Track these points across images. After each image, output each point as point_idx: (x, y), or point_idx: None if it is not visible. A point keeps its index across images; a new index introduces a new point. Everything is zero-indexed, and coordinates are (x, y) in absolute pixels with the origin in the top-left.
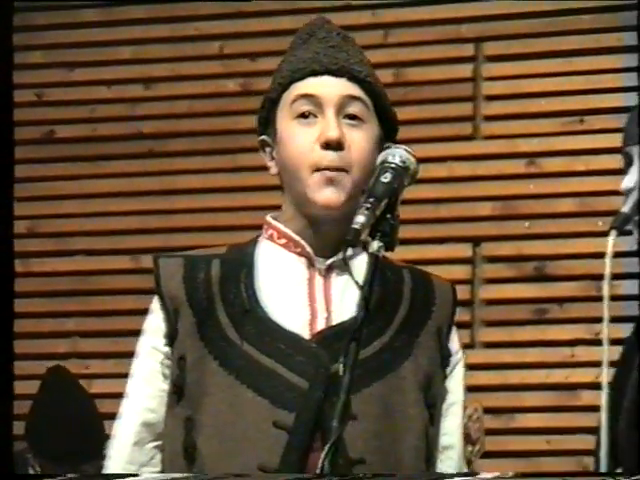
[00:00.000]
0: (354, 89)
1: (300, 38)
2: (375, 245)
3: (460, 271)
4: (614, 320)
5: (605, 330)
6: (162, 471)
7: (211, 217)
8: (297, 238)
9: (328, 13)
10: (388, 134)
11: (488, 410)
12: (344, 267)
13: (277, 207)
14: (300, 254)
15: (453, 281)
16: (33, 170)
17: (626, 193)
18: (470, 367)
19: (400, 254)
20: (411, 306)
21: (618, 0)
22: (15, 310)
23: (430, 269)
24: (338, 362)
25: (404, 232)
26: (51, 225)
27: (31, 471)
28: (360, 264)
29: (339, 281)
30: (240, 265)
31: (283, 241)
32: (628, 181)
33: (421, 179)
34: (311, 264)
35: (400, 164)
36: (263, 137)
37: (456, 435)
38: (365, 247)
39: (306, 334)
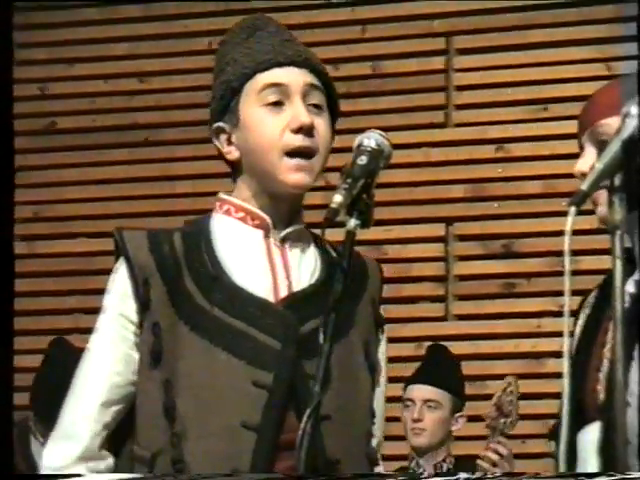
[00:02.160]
0: (314, 79)
1: (244, 32)
2: (352, 223)
3: (434, 249)
4: (575, 293)
5: (567, 302)
6: (119, 431)
7: (204, 200)
8: (257, 211)
9: (310, 10)
10: (334, 121)
11: None
12: (296, 238)
13: None
14: (258, 226)
15: (428, 258)
16: (37, 159)
17: (579, 176)
18: (444, 338)
19: (378, 234)
20: (351, 279)
21: None
22: (21, 289)
23: (406, 248)
24: (320, 332)
25: (382, 213)
26: (54, 210)
27: (33, 440)
28: (302, 237)
29: (294, 251)
30: (199, 238)
31: (241, 214)
32: (579, 165)
33: (397, 164)
34: (267, 235)
35: (376, 147)
36: (219, 124)
37: (382, 400)
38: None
39: (271, 299)
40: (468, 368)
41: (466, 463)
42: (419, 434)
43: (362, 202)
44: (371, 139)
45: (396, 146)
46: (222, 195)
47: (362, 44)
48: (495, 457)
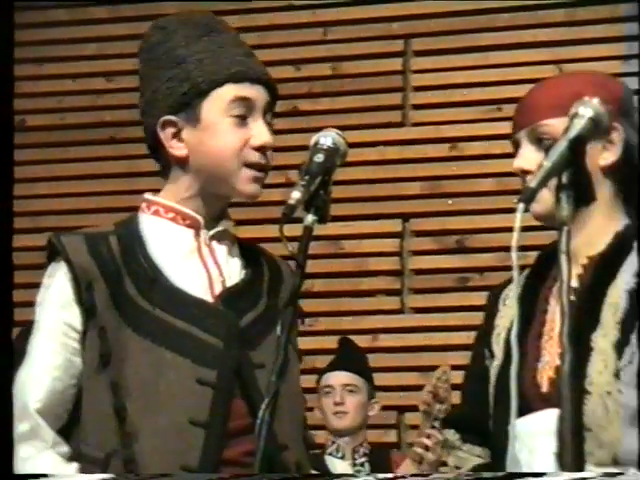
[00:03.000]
0: (271, 98)
1: (197, 29)
2: (310, 219)
3: (391, 244)
4: None
5: (515, 295)
6: (66, 432)
7: None
8: (189, 212)
9: (272, 12)
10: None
11: (415, 368)
12: (223, 236)
13: None
14: (189, 226)
15: (384, 253)
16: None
17: (519, 173)
18: (400, 330)
19: (336, 229)
20: (270, 275)
21: (533, 0)
22: None
23: (363, 243)
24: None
25: (341, 210)
26: (24, 205)
27: None
28: (227, 234)
29: (221, 248)
30: (132, 240)
31: (171, 215)
32: (517, 162)
33: (356, 162)
34: (197, 234)
35: (332, 146)
36: (170, 118)
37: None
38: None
39: (209, 297)
40: (422, 359)
41: (381, 451)
42: (341, 417)
43: (319, 198)
44: (327, 138)
45: (355, 144)
46: (148, 196)
47: (323, 46)
48: (429, 442)
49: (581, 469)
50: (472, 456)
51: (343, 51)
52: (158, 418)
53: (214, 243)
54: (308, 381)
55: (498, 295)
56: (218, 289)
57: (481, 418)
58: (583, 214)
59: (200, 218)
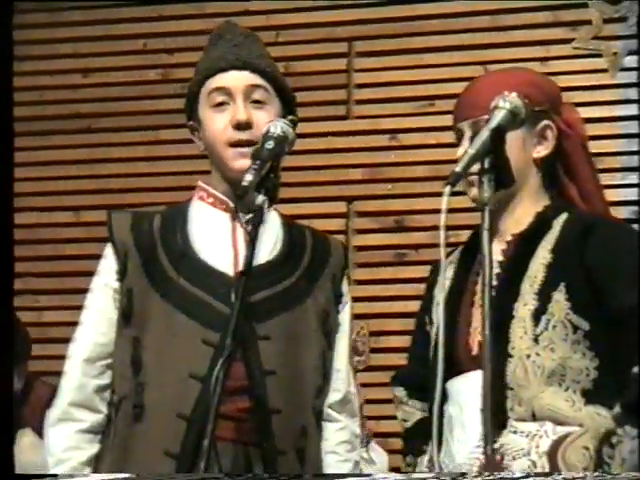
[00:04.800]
0: (256, 79)
1: (212, 40)
2: (260, 199)
3: (336, 224)
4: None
5: (442, 268)
6: (111, 384)
7: (137, 181)
8: (221, 196)
9: (230, 17)
10: (289, 108)
11: None
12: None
13: (187, 173)
14: (224, 210)
15: (331, 231)
16: None
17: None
18: None
19: (288, 210)
20: (312, 257)
21: (461, 4)
22: None
23: (312, 222)
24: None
25: (293, 193)
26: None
27: None
28: (268, 218)
29: (258, 231)
30: (176, 219)
31: (211, 200)
32: (460, 151)
33: (305, 150)
34: (234, 218)
35: (281, 134)
36: (191, 123)
37: (344, 359)
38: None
39: (231, 272)
40: (365, 326)
41: None
42: None
43: (269, 181)
44: (277, 127)
45: (305, 135)
46: (200, 183)
47: (276, 47)
48: None
49: (503, 424)
50: (416, 410)
51: (293, 52)
52: (166, 371)
53: (251, 226)
54: None
55: (437, 268)
56: (241, 267)
57: (423, 377)
58: (513, 198)
59: (230, 202)
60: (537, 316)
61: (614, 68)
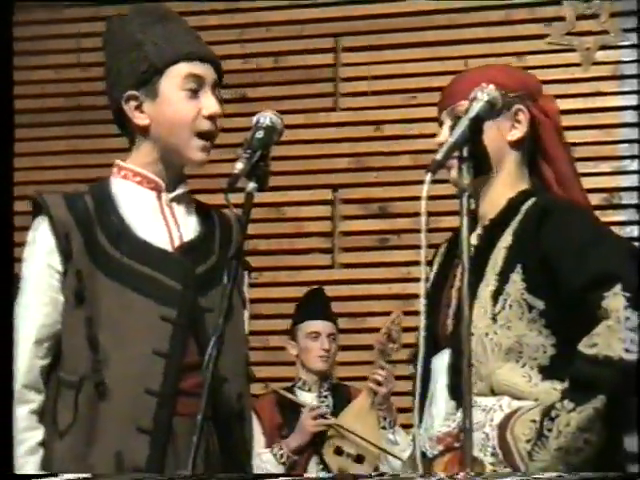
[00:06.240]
0: (216, 74)
1: (149, 16)
2: (251, 186)
3: (323, 210)
4: (433, 247)
5: (423, 254)
6: (54, 365)
7: None
8: (152, 176)
9: (223, 14)
10: None
11: (344, 315)
12: (181, 199)
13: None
14: (152, 188)
15: (318, 218)
16: None
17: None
18: (331, 283)
19: (277, 197)
20: (222, 233)
21: (442, 3)
22: None
23: (300, 209)
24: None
25: (282, 181)
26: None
27: None
28: (186, 198)
29: (180, 209)
30: (104, 199)
31: (137, 179)
32: (440, 137)
33: (294, 140)
34: (159, 196)
35: (270, 124)
36: (133, 92)
37: (246, 328)
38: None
39: (170, 248)
40: (351, 307)
41: (341, 385)
42: (326, 360)
43: (259, 169)
44: (266, 117)
45: (294, 126)
46: (119, 162)
47: (266, 42)
48: (381, 377)
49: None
50: None
51: (283, 47)
52: (126, 349)
53: (174, 204)
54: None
55: (435, 253)
56: (177, 243)
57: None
58: (490, 184)
59: (161, 182)
60: (496, 296)
61: (587, 62)
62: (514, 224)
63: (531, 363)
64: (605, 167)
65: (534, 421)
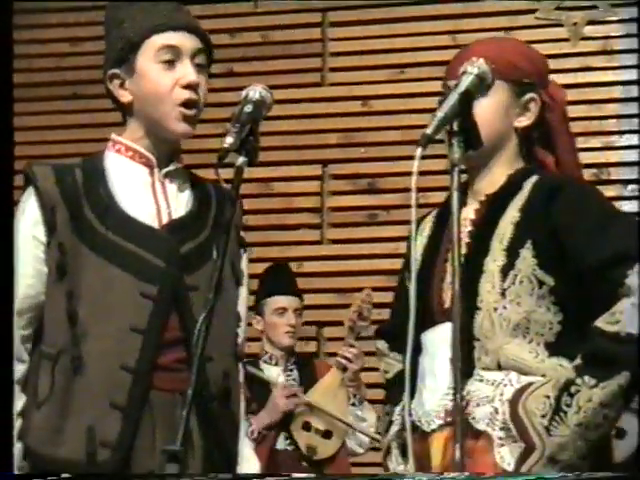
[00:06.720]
0: (200, 43)
1: None
2: (240, 160)
3: (312, 186)
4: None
5: (413, 229)
6: (35, 335)
7: None
8: (144, 151)
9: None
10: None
11: (333, 290)
12: (175, 175)
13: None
14: (144, 164)
15: (307, 193)
16: None
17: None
18: (320, 258)
19: (267, 173)
20: (217, 209)
21: None
22: None
23: (290, 185)
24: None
25: (271, 156)
26: None
27: None
28: (180, 174)
29: (172, 185)
30: (96, 172)
31: (130, 153)
32: (439, 110)
33: (283, 116)
34: (151, 172)
35: (259, 98)
36: (115, 71)
37: (245, 307)
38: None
39: (155, 225)
40: (339, 282)
41: (306, 359)
42: (292, 336)
43: (249, 143)
44: (255, 92)
45: (282, 101)
46: (114, 136)
47: (254, 17)
48: (350, 355)
49: (471, 373)
50: (397, 362)
51: (271, 22)
52: (104, 324)
53: (167, 180)
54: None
55: (417, 227)
56: (165, 219)
57: (404, 330)
58: (489, 160)
59: (152, 157)
60: (505, 271)
61: (575, 37)
62: (518, 200)
63: (538, 339)
64: (595, 142)
65: (547, 397)
